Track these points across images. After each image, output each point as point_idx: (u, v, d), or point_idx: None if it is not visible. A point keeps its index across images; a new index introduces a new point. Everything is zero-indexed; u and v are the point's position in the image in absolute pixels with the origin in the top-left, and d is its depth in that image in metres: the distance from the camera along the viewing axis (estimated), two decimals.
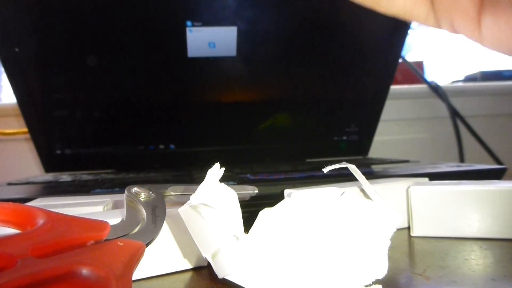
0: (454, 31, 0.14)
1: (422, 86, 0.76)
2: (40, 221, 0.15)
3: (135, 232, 0.17)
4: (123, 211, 0.19)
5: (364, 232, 0.17)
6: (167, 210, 0.19)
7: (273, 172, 0.39)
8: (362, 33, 0.55)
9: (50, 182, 0.44)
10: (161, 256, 0.19)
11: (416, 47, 0.89)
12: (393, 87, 0.64)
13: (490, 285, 0.17)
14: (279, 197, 0.22)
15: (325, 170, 0.20)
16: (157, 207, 0.19)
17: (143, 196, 0.19)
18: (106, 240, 0.16)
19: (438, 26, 0.14)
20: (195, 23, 0.49)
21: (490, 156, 0.69)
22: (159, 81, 0.53)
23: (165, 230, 0.19)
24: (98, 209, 0.22)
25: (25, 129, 0.55)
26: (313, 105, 0.59)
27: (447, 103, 0.72)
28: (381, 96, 0.60)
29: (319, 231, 0.18)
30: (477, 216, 0.23)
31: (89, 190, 0.32)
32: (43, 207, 0.16)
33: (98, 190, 0.32)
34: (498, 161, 0.68)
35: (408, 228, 0.25)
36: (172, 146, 0.56)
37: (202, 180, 0.18)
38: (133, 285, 0.16)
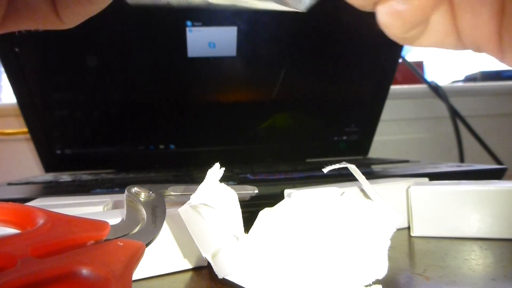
0: (480, 52, 0.16)
1: (422, 86, 0.76)
2: (40, 221, 0.15)
3: (135, 232, 0.17)
4: (123, 211, 0.19)
5: (364, 232, 0.17)
6: (167, 210, 0.19)
7: (273, 172, 0.39)
8: (362, 33, 0.55)
9: (50, 182, 0.44)
10: (161, 256, 0.19)
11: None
12: (393, 87, 0.64)
13: (490, 285, 0.17)
14: (279, 197, 0.22)
15: (325, 170, 0.20)
16: (157, 207, 0.19)
17: (143, 196, 0.19)
18: (106, 240, 0.16)
19: (465, 49, 0.16)
20: (195, 23, 0.49)
21: (490, 156, 0.69)
22: (159, 81, 0.53)
23: (165, 230, 0.19)
24: (98, 209, 0.22)
25: (25, 129, 0.55)
26: (313, 105, 0.59)
27: (447, 103, 0.72)
28: (381, 96, 0.60)
29: (319, 231, 0.18)
30: (477, 216, 0.23)
31: (89, 190, 0.32)
32: (43, 207, 0.16)
33: (98, 190, 0.32)
34: (498, 161, 0.68)
35: (408, 228, 0.25)
36: (172, 146, 0.56)
37: (202, 180, 0.18)
38: (133, 285, 0.16)
